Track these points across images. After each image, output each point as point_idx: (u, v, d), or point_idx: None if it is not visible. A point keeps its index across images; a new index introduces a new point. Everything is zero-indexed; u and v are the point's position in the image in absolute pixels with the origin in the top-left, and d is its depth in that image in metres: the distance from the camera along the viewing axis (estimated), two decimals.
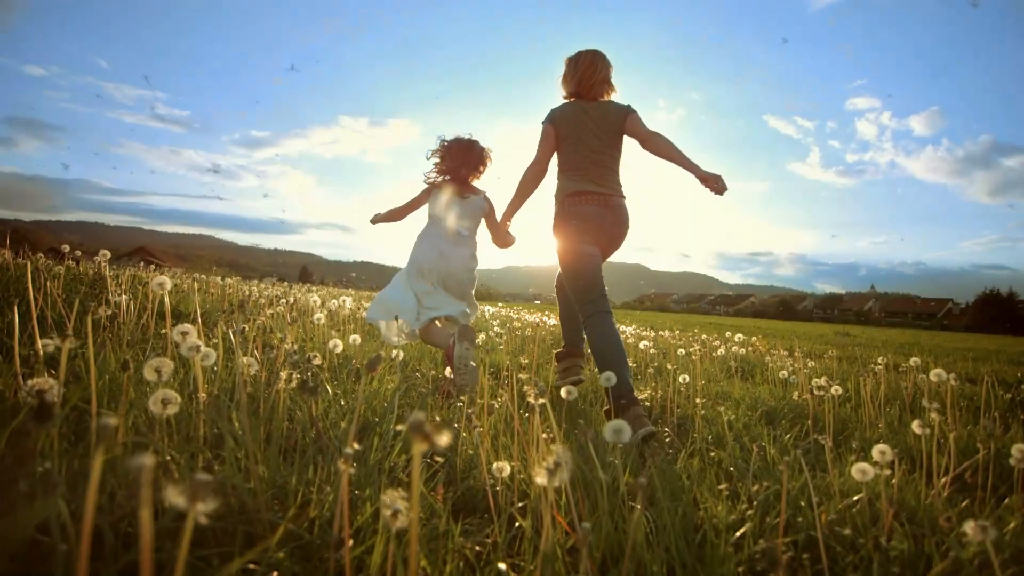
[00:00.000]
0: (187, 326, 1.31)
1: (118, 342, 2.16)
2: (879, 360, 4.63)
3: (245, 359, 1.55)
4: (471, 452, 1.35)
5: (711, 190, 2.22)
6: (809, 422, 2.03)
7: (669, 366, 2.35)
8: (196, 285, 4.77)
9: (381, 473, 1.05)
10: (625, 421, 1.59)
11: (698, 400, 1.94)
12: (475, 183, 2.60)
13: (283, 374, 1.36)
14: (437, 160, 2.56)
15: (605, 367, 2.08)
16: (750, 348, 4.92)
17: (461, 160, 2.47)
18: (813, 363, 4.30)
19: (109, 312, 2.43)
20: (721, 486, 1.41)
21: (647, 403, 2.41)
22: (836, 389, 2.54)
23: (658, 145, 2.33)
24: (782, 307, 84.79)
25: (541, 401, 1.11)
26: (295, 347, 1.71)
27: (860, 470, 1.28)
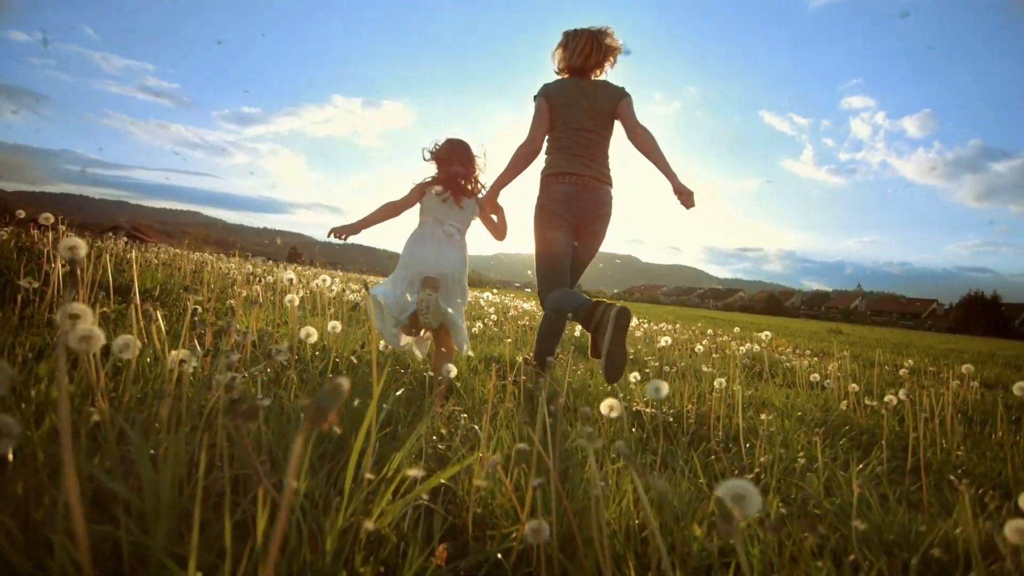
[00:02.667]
0: (79, 306, 0.90)
1: (38, 321, 1.75)
2: (906, 363, 4.33)
3: (176, 353, 1.15)
4: (482, 495, 0.96)
5: (680, 202, 2.26)
6: (883, 443, 1.68)
7: (705, 368, 1.98)
8: (141, 256, 4.33)
9: (356, 546, 0.66)
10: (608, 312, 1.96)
11: (763, 416, 1.57)
12: (469, 185, 2.32)
13: (220, 376, 0.96)
14: (434, 163, 2.28)
15: (562, 303, 2.19)
16: (764, 346, 4.59)
17: (453, 164, 2.23)
18: (834, 365, 3.98)
19: (35, 285, 2.01)
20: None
21: (676, 419, 2.04)
22: (891, 399, 2.20)
23: (643, 141, 2.29)
24: (770, 303, 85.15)
25: (597, 439, 0.73)
26: (242, 336, 1.31)
27: (1018, 530, 0.94)
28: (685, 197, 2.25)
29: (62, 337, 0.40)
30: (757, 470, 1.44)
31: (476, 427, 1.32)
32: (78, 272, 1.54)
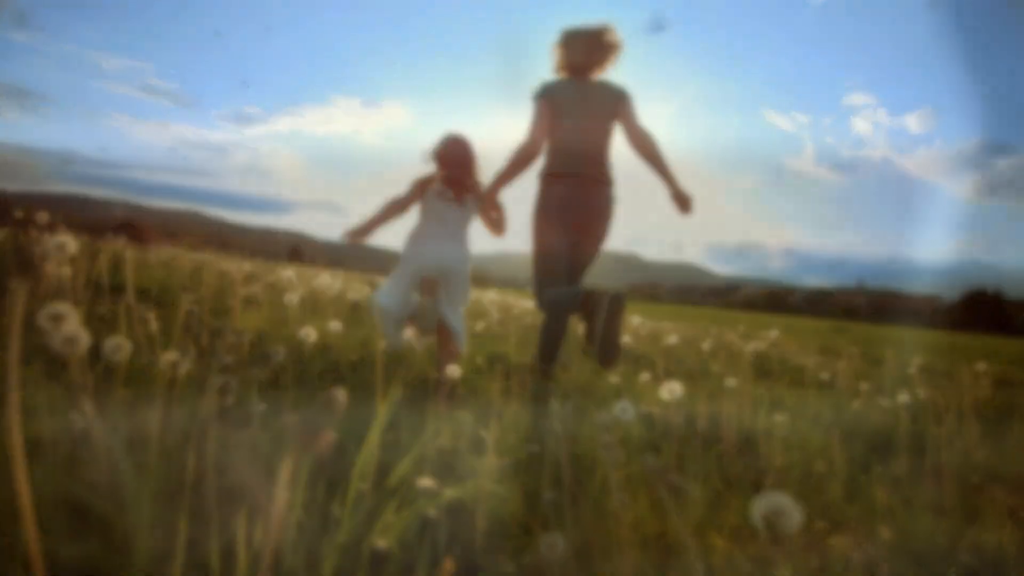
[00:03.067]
0: (63, 307, 0.85)
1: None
2: (914, 362, 4.27)
3: (167, 356, 1.10)
4: (491, 504, 0.91)
5: (678, 206, 2.27)
6: (900, 444, 1.63)
7: (715, 367, 1.92)
8: (139, 256, 4.28)
9: (357, 563, 0.60)
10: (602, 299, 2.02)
11: (778, 417, 1.53)
12: (469, 181, 2.29)
13: (214, 378, 0.90)
14: (435, 162, 2.24)
15: (556, 301, 2.21)
16: (770, 345, 4.53)
17: (454, 161, 2.21)
18: (843, 363, 3.93)
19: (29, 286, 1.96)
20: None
21: (687, 419, 1.99)
22: (904, 398, 2.14)
23: (643, 145, 2.26)
24: (772, 300, 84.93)
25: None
26: (238, 336, 1.26)
27: None
28: (683, 202, 2.25)
29: (15, 342, 0.35)
30: (774, 474, 1.39)
31: (482, 432, 1.26)
32: (35, 264, 1.49)
